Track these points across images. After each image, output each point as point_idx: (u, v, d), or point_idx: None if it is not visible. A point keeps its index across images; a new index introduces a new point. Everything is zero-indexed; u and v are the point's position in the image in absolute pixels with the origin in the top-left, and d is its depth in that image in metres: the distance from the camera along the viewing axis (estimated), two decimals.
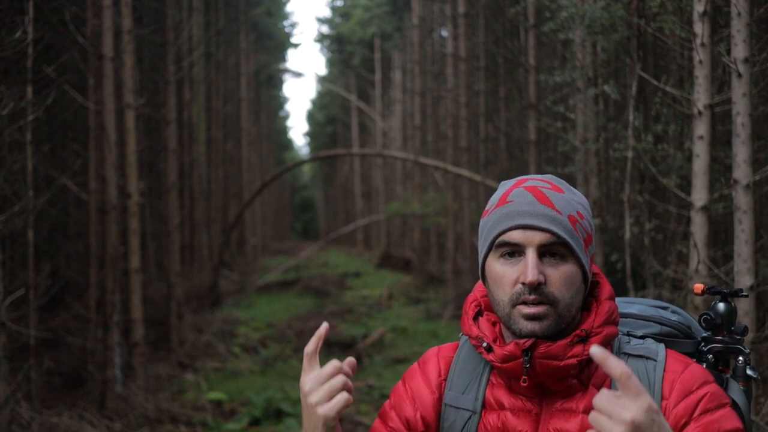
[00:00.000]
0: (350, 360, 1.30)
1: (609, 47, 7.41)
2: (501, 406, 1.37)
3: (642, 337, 1.41)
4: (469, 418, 1.39)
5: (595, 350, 1.05)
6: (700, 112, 4.73)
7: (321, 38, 37.17)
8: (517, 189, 1.36)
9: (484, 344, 1.37)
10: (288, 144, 58.63)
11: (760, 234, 5.08)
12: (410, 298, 17.02)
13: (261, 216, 32.01)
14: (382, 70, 31.57)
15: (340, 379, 1.25)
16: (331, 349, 10.43)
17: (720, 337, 1.47)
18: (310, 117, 50.19)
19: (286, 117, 75.55)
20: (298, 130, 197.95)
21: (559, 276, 1.30)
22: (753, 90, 4.35)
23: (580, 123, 8.33)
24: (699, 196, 4.78)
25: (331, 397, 1.25)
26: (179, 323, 10.78)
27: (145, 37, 11.50)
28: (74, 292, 10.04)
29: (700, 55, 4.68)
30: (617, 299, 1.46)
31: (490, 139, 15.14)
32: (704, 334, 1.51)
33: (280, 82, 41.51)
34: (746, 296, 1.57)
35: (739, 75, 4.16)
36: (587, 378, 1.34)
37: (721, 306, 1.49)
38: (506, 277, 1.32)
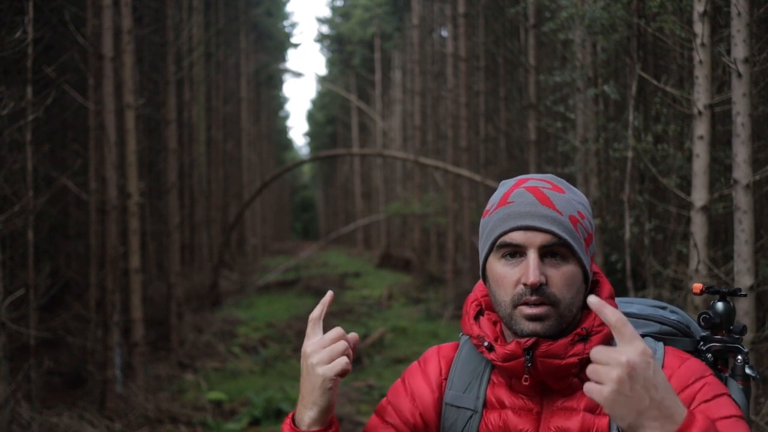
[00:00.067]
0: (353, 335, 1.34)
1: (609, 47, 7.42)
2: (502, 405, 1.38)
3: (642, 336, 1.41)
4: (471, 417, 1.40)
5: (592, 299, 1.10)
6: (700, 112, 4.74)
7: (321, 38, 37.17)
8: (518, 189, 1.36)
9: (486, 343, 1.37)
10: (288, 144, 58.64)
11: (760, 234, 5.08)
12: (410, 298, 17.02)
13: (261, 216, 32.01)
14: (382, 70, 31.57)
15: (342, 344, 1.30)
16: None
17: (719, 337, 1.48)
18: (310, 117, 50.19)
19: (286, 117, 75.58)
20: (298, 130, 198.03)
21: (561, 276, 1.30)
22: (753, 90, 4.35)
23: (580, 123, 8.34)
24: (699, 196, 4.78)
25: (331, 360, 1.29)
26: (179, 323, 10.78)
27: (145, 37, 11.50)
28: (74, 292, 10.04)
29: (700, 55, 4.68)
30: (617, 299, 1.46)
31: (490, 139, 15.14)
32: (703, 334, 1.51)
33: (280, 82, 41.52)
34: (745, 295, 1.58)
35: (739, 75, 4.16)
36: (587, 376, 1.34)
37: (719, 305, 1.50)
38: (508, 277, 1.32)
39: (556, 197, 1.33)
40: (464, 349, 1.48)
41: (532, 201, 1.32)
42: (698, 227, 4.79)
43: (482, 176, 12.76)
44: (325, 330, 1.35)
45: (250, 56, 28.75)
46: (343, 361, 1.29)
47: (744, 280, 4.19)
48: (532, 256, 1.30)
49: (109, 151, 7.52)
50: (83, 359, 8.04)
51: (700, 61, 4.68)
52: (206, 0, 19.75)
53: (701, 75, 4.70)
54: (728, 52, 4.45)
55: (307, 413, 1.30)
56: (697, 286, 1.56)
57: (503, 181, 1.44)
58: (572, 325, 1.34)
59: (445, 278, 16.11)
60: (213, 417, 7.59)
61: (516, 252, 1.32)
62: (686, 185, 6.01)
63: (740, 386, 1.43)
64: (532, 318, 1.30)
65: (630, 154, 6.51)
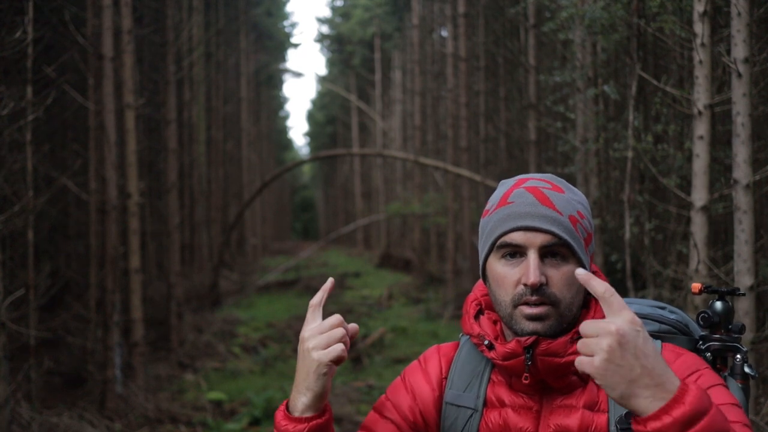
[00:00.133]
0: (353, 325, 1.34)
1: (609, 47, 7.42)
2: (502, 404, 1.38)
3: None
4: (471, 416, 1.40)
5: (579, 272, 1.11)
6: (700, 112, 4.74)
7: (321, 38, 37.17)
8: (518, 189, 1.36)
9: (486, 342, 1.38)
10: (288, 144, 58.64)
11: (760, 234, 5.08)
12: (410, 298, 17.02)
13: (261, 216, 32.01)
14: (382, 70, 31.56)
15: (339, 331, 1.30)
16: None
17: (717, 336, 1.48)
18: (310, 117, 50.20)
19: (286, 117, 75.58)
20: (298, 130, 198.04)
21: (561, 276, 1.31)
22: (753, 90, 4.35)
23: (580, 123, 8.34)
24: (699, 196, 4.78)
25: (328, 346, 1.28)
26: (179, 323, 10.78)
27: (145, 37, 11.50)
28: (74, 292, 10.04)
29: (700, 55, 4.68)
30: None
31: (490, 139, 15.14)
32: (702, 333, 1.52)
33: (280, 82, 41.52)
34: (743, 295, 1.58)
35: (739, 75, 4.16)
36: (587, 375, 1.34)
37: (718, 305, 1.51)
38: (508, 277, 1.33)
39: (556, 197, 1.34)
40: (464, 348, 1.49)
41: (532, 201, 1.33)
42: (698, 227, 4.79)
43: (482, 176, 12.76)
44: (324, 318, 1.35)
45: (250, 56, 28.75)
46: (340, 347, 1.28)
47: (744, 280, 4.19)
48: (533, 256, 1.30)
49: (109, 151, 7.52)
50: (83, 359, 8.04)
51: (700, 61, 4.68)
52: (206, 0, 19.75)
53: (701, 75, 4.70)
54: (728, 52, 4.45)
55: (300, 399, 1.30)
56: (696, 286, 1.56)
57: (503, 181, 1.44)
58: (572, 324, 1.34)
59: (445, 278, 16.11)
60: (213, 417, 7.59)
61: (516, 252, 1.33)
62: (686, 185, 6.01)
63: (739, 385, 1.44)
64: (532, 318, 1.30)
65: (630, 154, 6.51)
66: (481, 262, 1.41)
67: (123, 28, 8.26)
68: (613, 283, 1.49)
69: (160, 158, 12.69)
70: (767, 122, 5.74)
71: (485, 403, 1.40)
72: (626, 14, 6.52)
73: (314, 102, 48.98)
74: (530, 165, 10.84)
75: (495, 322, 1.41)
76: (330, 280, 1.38)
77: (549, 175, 1.42)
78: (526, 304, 1.30)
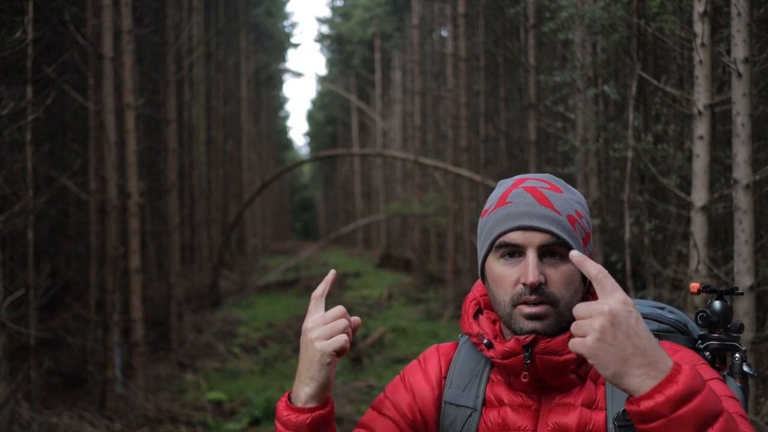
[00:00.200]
0: (356, 318, 1.34)
1: (609, 47, 7.41)
2: (501, 403, 1.39)
3: None
4: (470, 415, 1.40)
5: (574, 253, 1.14)
6: (700, 112, 4.74)
7: (321, 38, 37.17)
8: (517, 189, 1.37)
9: (485, 341, 1.38)
10: (288, 144, 58.64)
11: (760, 234, 5.08)
12: (410, 298, 17.02)
13: (261, 216, 32.01)
14: (382, 70, 31.57)
15: (343, 322, 1.30)
16: None
17: (716, 335, 1.49)
18: (310, 117, 50.20)
19: (286, 117, 75.57)
20: (298, 130, 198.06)
21: (559, 276, 1.31)
22: (753, 90, 4.36)
23: (580, 123, 8.33)
24: (699, 196, 4.78)
25: (331, 336, 1.28)
26: (179, 323, 10.78)
27: (145, 37, 11.50)
28: (74, 292, 10.04)
29: (700, 55, 4.68)
30: None
31: (490, 139, 15.14)
32: (701, 332, 1.52)
33: (280, 82, 41.51)
34: (741, 294, 1.59)
35: (739, 75, 4.16)
36: (585, 372, 1.36)
37: (716, 304, 1.51)
38: (507, 277, 1.33)
39: (555, 197, 1.34)
40: (463, 348, 1.49)
41: (530, 201, 1.33)
42: (698, 227, 4.79)
43: (482, 176, 12.76)
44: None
45: (250, 56, 28.75)
46: (343, 338, 1.28)
47: (744, 280, 4.19)
48: (531, 255, 1.31)
49: (109, 151, 7.52)
50: (83, 359, 8.04)
51: (700, 61, 4.68)
52: (206, 0, 19.75)
53: (701, 75, 4.70)
54: (728, 52, 4.45)
55: (303, 389, 1.30)
56: (694, 286, 1.57)
57: (501, 181, 1.44)
58: (571, 323, 1.34)
59: (445, 278, 16.11)
60: (213, 417, 7.59)
61: (515, 252, 1.33)
62: (686, 185, 6.01)
63: (738, 384, 1.44)
64: (531, 317, 1.31)
65: (630, 154, 6.51)
66: (479, 262, 1.42)
67: (123, 28, 8.26)
68: None
69: (160, 158, 12.69)
70: (767, 122, 5.74)
71: (484, 403, 1.40)
72: (626, 14, 6.52)
73: (314, 102, 49.00)
74: (530, 165, 10.84)
75: (494, 322, 1.42)
76: (332, 272, 1.38)
77: (547, 175, 1.43)
78: (525, 303, 1.31)
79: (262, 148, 35.64)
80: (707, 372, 1.28)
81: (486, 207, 1.42)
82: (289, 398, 1.33)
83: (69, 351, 8.48)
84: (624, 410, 1.27)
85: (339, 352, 1.28)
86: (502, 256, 1.34)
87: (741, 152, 4.20)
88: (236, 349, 11.17)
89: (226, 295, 16.38)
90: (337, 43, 35.45)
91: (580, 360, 1.33)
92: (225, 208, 21.57)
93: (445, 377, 1.47)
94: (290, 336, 12.16)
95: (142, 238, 10.13)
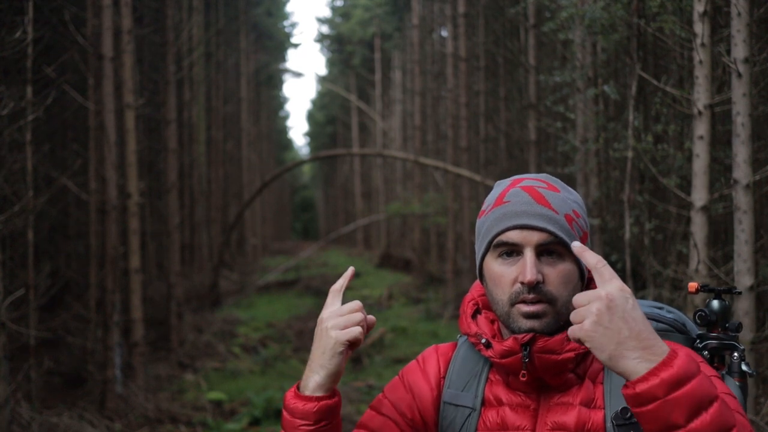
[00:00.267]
0: (371, 317, 1.36)
1: (609, 47, 7.41)
2: (500, 403, 1.39)
3: None
4: (469, 415, 1.41)
5: (575, 244, 1.18)
6: (700, 112, 4.73)
7: (321, 38, 37.17)
8: (514, 189, 1.37)
9: (483, 340, 1.38)
10: (288, 144, 58.64)
11: (760, 234, 5.08)
12: (410, 298, 17.02)
13: (261, 216, 32.01)
14: (382, 70, 31.57)
15: (359, 315, 1.32)
16: None
17: (715, 334, 1.50)
18: (310, 117, 50.20)
19: (286, 117, 75.60)
20: (298, 130, 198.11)
21: (557, 275, 1.32)
22: (753, 90, 4.36)
23: (580, 123, 8.33)
24: (699, 196, 4.78)
25: (346, 327, 1.30)
26: (179, 323, 10.78)
27: (145, 37, 11.50)
28: (74, 292, 10.04)
29: (700, 55, 4.68)
30: None
31: (490, 139, 15.14)
32: (699, 332, 1.53)
33: (280, 82, 41.52)
34: (740, 293, 1.59)
35: (739, 75, 4.16)
36: (583, 372, 1.36)
37: (715, 303, 1.52)
38: (505, 276, 1.34)
39: (552, 196, 1.35)
40: (462, 348, 1.49)
41: (527, 200, 1.34)
42: (698, 227, 4.79)
43: (482, 176, 12.76)
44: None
45: (250, 56, 28.75)
46: (357, 329, 1.30)
47: (744, 280, 4.19)
48: (529, 254, 1.31)
49: (109, 151, 7.52)
50: (83, 359, 8.04)
51: (700, 61, 4.68)
52: (206, 0, 19.75)
53: (701, 75, 4.70)
54: (728, 52, 4.45)
55: (313, 377, 1.30)
56: (692, 285, 1.57)
57: (498, 182, 1.45)
58: (569, 322, 1.34)
59: (445, 278, 16.11)
60: (213, 417, 7.59)
61: (513, 251, 1.34)
62: (686, 185, 6.01)
63: (737, 383, 1.45)
64: (529, 316, 1.31)
65: (630, 154, 6.51)
66: (477, 262, 1.42)
67: (123, 28, 8.26)
68: None
69: (160, 158, 12.69)
70: (767, 122, 5.74)
71: (483, 402, 1.41)
72: (626, 14, 6.52)
73: (314, 102, 49.00)
74: (530, 165, 10.84)
75: (492, 322, 1.42)
76: (351, 268, 1.41)
77: (544, 174, 1.43)
78: (523, 302, 1.31)
79: (262, 148, 35.64)
80: (706, 370, 1.29)
81: (484, 207, 1.42)
82: (298, 388, 1.34)
83: (69, 351, 8.48)
84: (622, 409, 1.27)
85: (352, 344, 1.30)
86: (499, 255, 1.35)
87: (741, 152, 4.20)
88: (236, 349, 11.17)
89: (226, 295, 16.38)
90: (337, 43, 35.45)
91: (579, 359, 1.34)
92: (225, 208, 21.57)
93: (443, 377, 1.47)
94: (290, 336, 12.16)
95: (142, 238, 10.13)
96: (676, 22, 5.55)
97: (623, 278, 6.76)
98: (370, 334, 11.57)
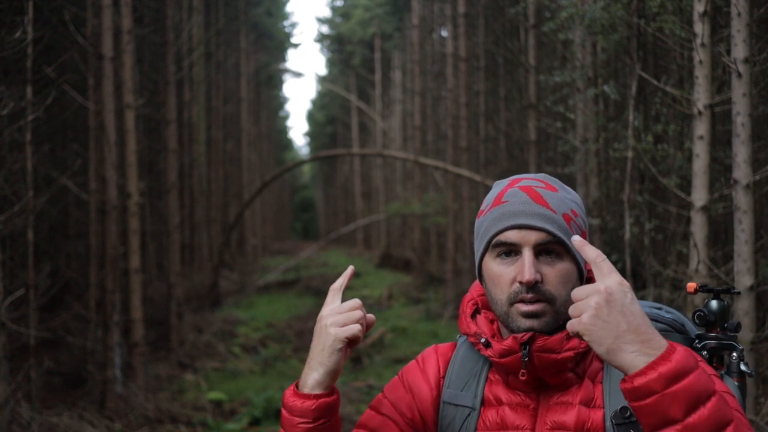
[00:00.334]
0: (371, 315, 1.36)
1: (609, 47, 7.41)
2: (499, 402, 1.39)
3: None
4: (469, 414, 1.41)
5: (576, 238, 1.19)
6: (700, 112, 4.73)
7: (321, 38, 37.17)
8: (512, 189, 1.37)
9: (483, 340, 1.38)
10: (288, 144, 58.64)
11: (760, 234, 5.08)
12: (410, 298, 17.02)
13: (261, 216, 32.01)
14: (382, 70, 31.56)
15: (358, 313, 1.33)
16: None
17: (713, 334, 1.50)
18: (310, 117, 50.20)
19: (286, 117, 75.60)
20: (298, 130, 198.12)
21: (556, 274, 1.32)
22: (753, 90, 4.35)
23: (580, 123, 8.33)
24: (699, 196, 4.78)
25: (345, 324, 1.31)
26: (179, 323, 10.78)
27: (145, 37, 11.50)
28: (74, 292, 10.04)
29: (700, 55, 4.68)
30: None
31: (490, 139, 15.14)
32: (698, 332, 1.53)
33: (280, 82, 41.52)
34: (738, 293, 1.59)
35: (739, 75, 4.16)
36: (582, 371, 1.36)
37: (713, 303, 1.52)
38: (503, 276, 1.34)
39: (550, 196, 1.35)
40: (462, 348, 1.49)
41: (525, 200, 1.34)
42: (698, 227, 4.79)
43: (482, 176, 12.76)
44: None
45: (250, 56, 28.75)
46: (357, 327, 1.30)
47: (744, 280, 4.19)
48: (527, 254, 1.31)
49: (109, 151, 7.52)
50: (83, 359, 8.04)
51: (700, 61, 4.68)
52: (206, 0, 19.75)
53: (701, 75, 4.70)
54: (728, 52, 4.45)
55: (311, 375, 1.31)
56: (691, 285, 1.58)
57: (497, 182, 1.45)
58: (568, 320, 1.35)
59: (445, 278, 16.11)
60: (213, 417, 7.59)
61: (511, 251, 1.34)
62: (686, 185, 6.01)
63: (736, 383, 1.45)
64: (528, 315, 1.31)
65: (630, 154, 6.51)
66: (476, 262, 1.42)
67: (123, 28, 8.26)
68: None
69: (160, 158, 12.70)
70: (767, 122, 5.74)
71: (483, 402, 1.41)
72: (626, 14, 6.52)
73: (314, 102, 48.99)
74: (530, 165, 10.83)
75: (492, 321, 1.42)
76: (350, 267, 1.42)
77: (543, 174, 1.44)
78: (522, 301, 1.31)
79: (262, 148, 35.64)
80: (705, 368, 1.28)
81: (482, 207, 1.42)
82: (297, 386, 1.34)
83: (69, 351, 8.49)
84: (622, 408, 1.27)
85: (351, 341, 1.30)
86: (498, 255, 1.35)
87: (741, 152, 4.20)
88: (236, 349, 11.17)
89: (226, 295, 16.38)
90: (337, 43, 35.45)
91: (578, 358, 1.34)
92: (225, 208, 21.57)
93: (443, 377, 1.47)
94: (290, 336, 12.16)
95: (142, 238, 10.13)
96: (676, 22, 5.55)
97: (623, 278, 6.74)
98: (370, 334, 11.57)
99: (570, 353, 1.31)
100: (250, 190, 24.89)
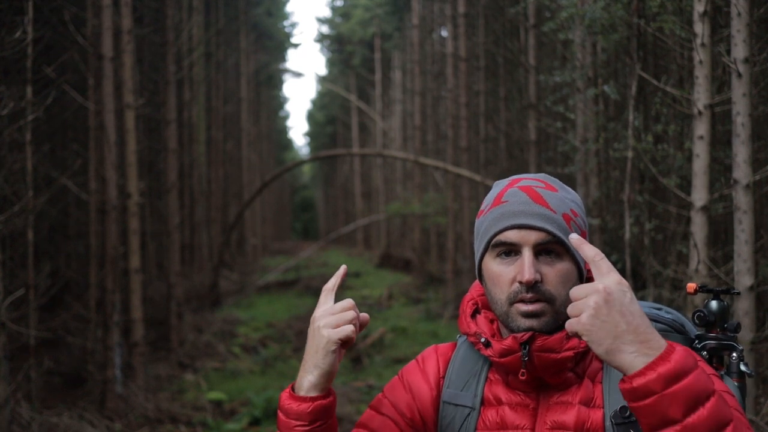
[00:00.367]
0: (364, 315, 1.36)
1: (609, 47, 7.41)
2: (499, 402, 1.39)
3: None
4: (468, 414, 1.41)
5: (573, 236, 1.19)
6: (700, 112, 4.73)
7: (321, 38, 37.17)
8: (512, 189, 1.38)
9: (482, 340, 1.39)
10: (288, 144, 58.64)
11: (760, 234, 5.08)
12: (410, 298, 17.02)
13: (261, 216, 32.01)
14: (382, 70, 31.56)
15: (351, 313, 1.32)
16: None
17: (713, 334, 1.50)
18: (310, 117, 50.20)
19: (286, 117, 75.58)
20: (298, 130, 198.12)
21: (555, 274, 1.32)
22: (753, 90, 4.35)
23: (580, 123, 8.33)
24: (699, 196, 4.78)
25: (338, 325, 1.30)
26: (179, 323, 10.78)
27: (145, 37, 11.51)
28: (74, 292, 10.04)
29: (700, 55, 4.68)
30: None
31: (490, 139, 15.13)
32: (698, 332, 1.53)
33: (280, 82, 41.52)
34: (738, 293, 1.59)
35: (739, 75, 4.16)
36: (582, 371, 1.36)
37: (713, 304, 1.52)
38: (503, 276, 1.34)
39: (550, 196, 1.35)
40: (462, 348, 1.50)
41: (525, 200, 1.34)
42: (698, 227, 4.79)
43: (482, 176, 12.76)
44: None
45: (250, 56, 28.75)
46: (350, 328, 1.30)
47: (744, 280, 4.19)
48: (527, 254, 1.31)
49: (109, 151, 7.52)
50: (83, 359, 8.04)
51: (700, 61, 4.68)
52: (206, 0, 19.75)
53: (701, 75, 4.70)
54: (728, 52, 4.44)
55: (307, 377, 1.30)
56: (691, 286, 1.58)
57: (497, 182, 1.46)
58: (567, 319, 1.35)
59: (445, 278, 16.11)
60: (213, 417, 7.59)
61: (511, 251, 1.34)
62: (686, 185, 6.01)
63: (735, 383, 1.45)
64: (528, 315, 1.31)
65: (630, 154, 6.51)
66: (476, 262, 1.42)
67: (123, 28, 8.26)
68: None
69: (160, 158, 12.69)
70: (767, 122, 5.74)
71: (482, 402, 1.41)
72: (626, 14, 6.52)
73: (314, 102, 48.99)
74: (530, 165, 10.83)
75: (492, 321, 1.42)
76: (343, 267, 1.40)
77: (542, 174, 1.44)
78: (522, 301, 1.31)
79: (262, 148, 35.64)
80: (705, 368, 1.28)
81: (482, 207, 1.42)
82: (293, 388, 1.34)
83: (69, 351, 8.48)
84: (621, 408, 1.27)
85: (345, 342, 1.30)
86: (498, 255, 1.35)
87: (741, 152, 4.20)
88: (236, 349, 11.17)
89: (226, 295, 16.38)
90: (337, 43, 35.45)
91: (578, 358, 1.34)
92: (225, 208, 21.57)
93: (443, 377, 1.47)
94: (290, 336, 12.16)
95: (142, 238, 10.13)
96: (676, 22, 5.55)
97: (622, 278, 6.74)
98: (370, 334, 11.57)
99: (570, 353, 1.31)
100: (250, 190, 24.89)
